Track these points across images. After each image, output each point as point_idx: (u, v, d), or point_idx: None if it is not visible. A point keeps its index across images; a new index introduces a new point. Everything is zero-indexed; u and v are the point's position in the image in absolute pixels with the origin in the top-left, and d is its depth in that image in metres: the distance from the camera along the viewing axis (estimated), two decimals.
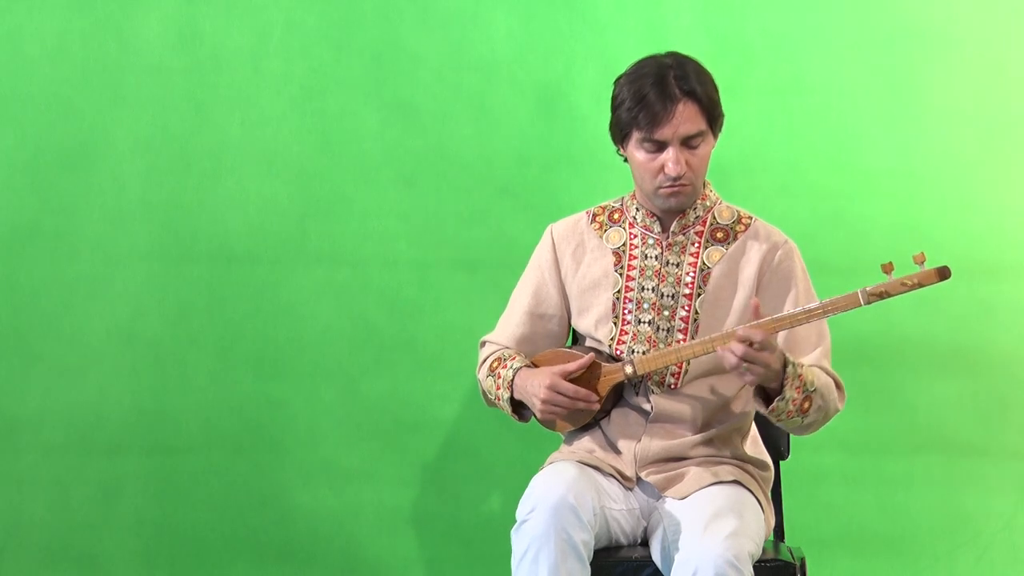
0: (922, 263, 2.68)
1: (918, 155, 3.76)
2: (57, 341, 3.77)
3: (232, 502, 3.78)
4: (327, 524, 3.78)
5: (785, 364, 2.78)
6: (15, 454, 3.77)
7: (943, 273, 2.70)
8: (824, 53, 3.77)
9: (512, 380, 2.98)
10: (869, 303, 2.73)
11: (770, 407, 2.81)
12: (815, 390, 2.83)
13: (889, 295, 2.72)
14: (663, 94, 2.86)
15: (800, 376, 2.80)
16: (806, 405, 2.83)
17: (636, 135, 2.90)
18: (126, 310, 3.78)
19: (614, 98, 2.94)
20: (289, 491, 3.78)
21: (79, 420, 3.77)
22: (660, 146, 2.89)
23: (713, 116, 2.91)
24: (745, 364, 2.73)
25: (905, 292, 2.72)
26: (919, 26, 3.76)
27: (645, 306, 2.97)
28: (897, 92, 3.77)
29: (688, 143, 2.89)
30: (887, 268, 2.72)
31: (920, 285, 2.70)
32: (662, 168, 2.89)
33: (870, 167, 3.77)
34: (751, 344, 2.72)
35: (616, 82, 2.95)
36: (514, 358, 3.02)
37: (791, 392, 2.79)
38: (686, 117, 2.87)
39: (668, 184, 2.90)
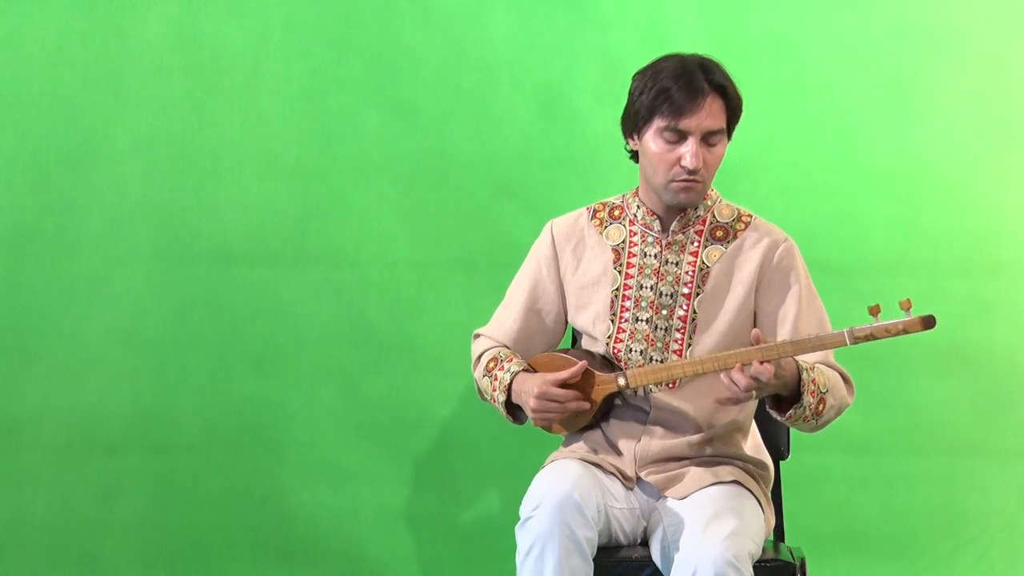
0: (908, 309, 2.69)
1: (918, 154, 3.77)
2: (57, 341, 3.76)
3: (232, 502, 3.78)
4: (327, 524, 3.78)
5: (800, 372, 2.78)
6: (15, 454, 3.77)
7: (927, 322, 2.70)
8: (825, 53, 3.77)
9: (509, 384, 2.97)
10: (855, 344, 2.73)
11: (787, 414, 2.81)
12: (827, 391, 2.83)
13: (874, 338, 2.72)
14: (691, 85, 2.84)
15: (814, 380, 2.80)
16: (820, 407, 2.83)
17: (657, 123, 2.86)
18: (126, 310, 3.77)
19: (633, 88, 2.91)
20: (288, 491, 3.78)
21: (79, 420, 3.76)
22: (681, 137, 2.86)
23: (734, 117, 2.91)
24: (754, 393, 2.74)
25: (889, 338, 2.73)
26: (919, 27, 3.77)
27: (643, 304, 2.96)
28: (897, 92, 3.78)
29: (708, 139, 2.87)
30: (874, 310, 2.70)
31: (905, 332, 2.71)
32: (678, 160, 2.87)
33: (870, 166, 3.78)
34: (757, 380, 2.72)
35: (635, 75, 2.92)
36: (511, 359, 3.00)
37: (808, 398, 2.79)
38: (712, 112, 2.86)
39: (682, 178, 2.88)
